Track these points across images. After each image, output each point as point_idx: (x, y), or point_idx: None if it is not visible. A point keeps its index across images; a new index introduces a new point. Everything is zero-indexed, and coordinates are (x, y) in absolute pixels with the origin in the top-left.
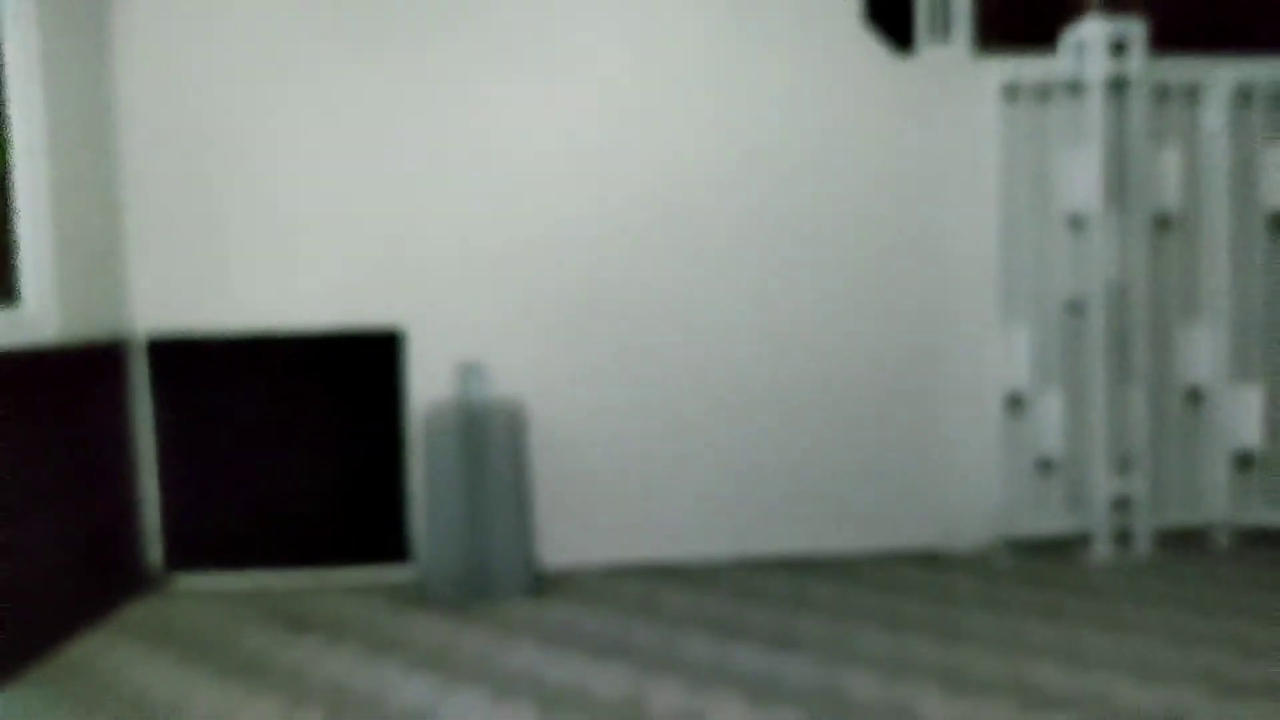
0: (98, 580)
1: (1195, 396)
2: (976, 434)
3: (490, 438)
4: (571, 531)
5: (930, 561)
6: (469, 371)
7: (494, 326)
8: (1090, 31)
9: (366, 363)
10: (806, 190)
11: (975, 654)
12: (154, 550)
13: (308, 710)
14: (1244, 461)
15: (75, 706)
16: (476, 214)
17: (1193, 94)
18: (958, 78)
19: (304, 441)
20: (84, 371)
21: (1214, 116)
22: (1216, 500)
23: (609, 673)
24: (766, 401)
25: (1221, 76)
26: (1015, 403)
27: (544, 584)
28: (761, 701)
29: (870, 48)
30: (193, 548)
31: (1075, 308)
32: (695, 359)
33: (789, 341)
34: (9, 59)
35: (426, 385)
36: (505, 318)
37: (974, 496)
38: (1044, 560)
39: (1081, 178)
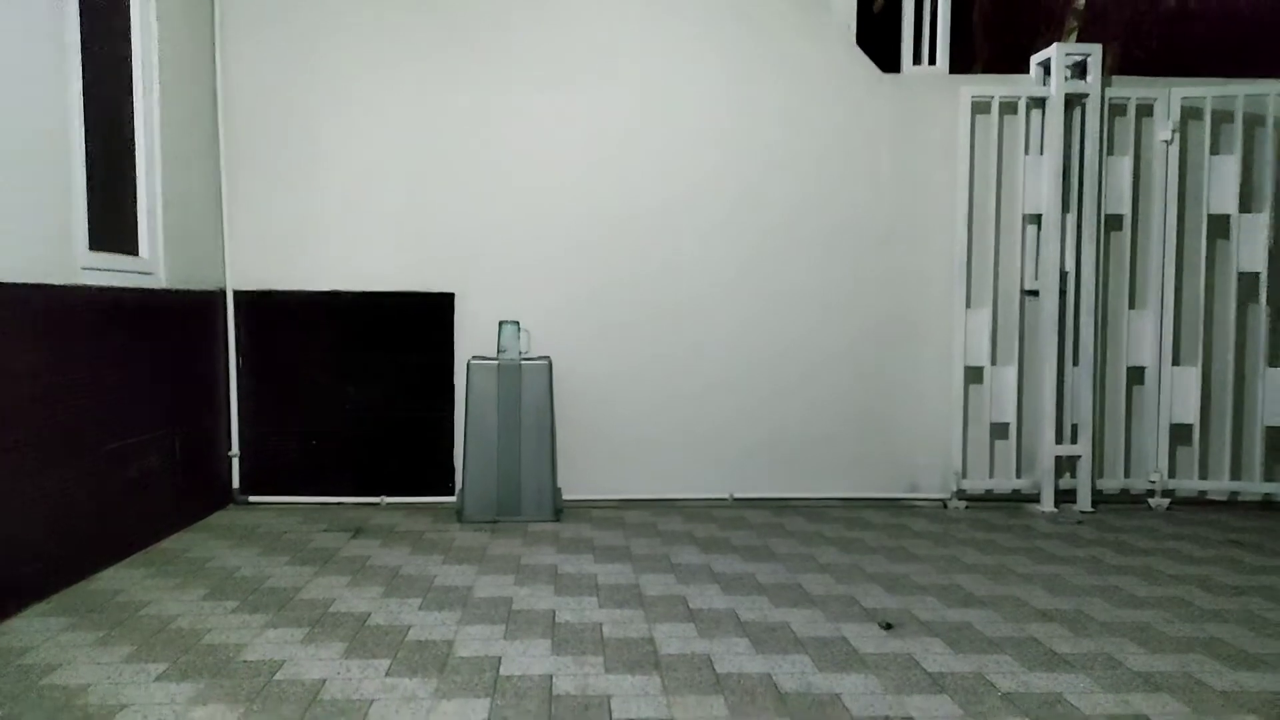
0: (189, 490)
1: (1138, 376)
2: (942, 401)
3: (523, 385)
4: (588, 470)
5: (894, 508)
6: (507, 330)
7: (530, 293)
8: (1053, 54)
9: (423, 320)
10: (808, 188)
11: (916, 569)
12: (234, 473)
13: (368, 584)
14: (1181, 435)
15: (175, 580)
16: (516, 203)
17: (1147, 111)
18: (936, 93)
19: (367, 385)
20: (184, 315)
21: (1163, 130)
22: (1155, 468)
23: (613, 569)
24: (762, 367)
25: (1172, 95)
26: (976, 375)
27: (563, 511)
28: (734, 590)
29: (862, 66)
30: (266, 473)
31: (1031, 295)
32: (702, 336)
33: (785, 319)
34: (135, 61)
35: (472, 340)
36: (540, 286)
37: (937, 455)
38: (994, 511)
39: (1040, 182)
